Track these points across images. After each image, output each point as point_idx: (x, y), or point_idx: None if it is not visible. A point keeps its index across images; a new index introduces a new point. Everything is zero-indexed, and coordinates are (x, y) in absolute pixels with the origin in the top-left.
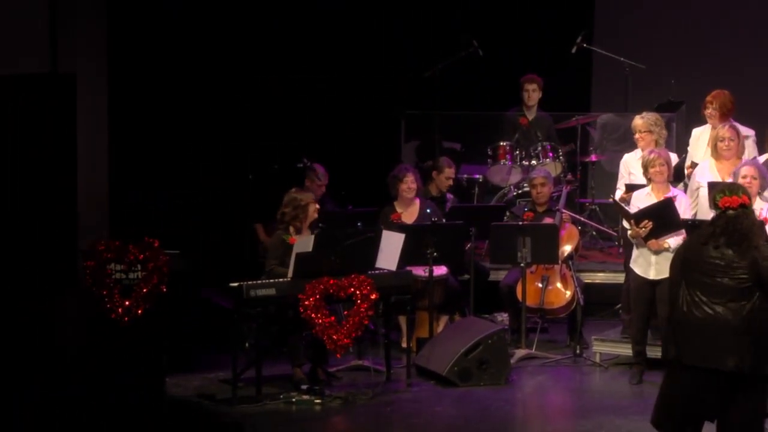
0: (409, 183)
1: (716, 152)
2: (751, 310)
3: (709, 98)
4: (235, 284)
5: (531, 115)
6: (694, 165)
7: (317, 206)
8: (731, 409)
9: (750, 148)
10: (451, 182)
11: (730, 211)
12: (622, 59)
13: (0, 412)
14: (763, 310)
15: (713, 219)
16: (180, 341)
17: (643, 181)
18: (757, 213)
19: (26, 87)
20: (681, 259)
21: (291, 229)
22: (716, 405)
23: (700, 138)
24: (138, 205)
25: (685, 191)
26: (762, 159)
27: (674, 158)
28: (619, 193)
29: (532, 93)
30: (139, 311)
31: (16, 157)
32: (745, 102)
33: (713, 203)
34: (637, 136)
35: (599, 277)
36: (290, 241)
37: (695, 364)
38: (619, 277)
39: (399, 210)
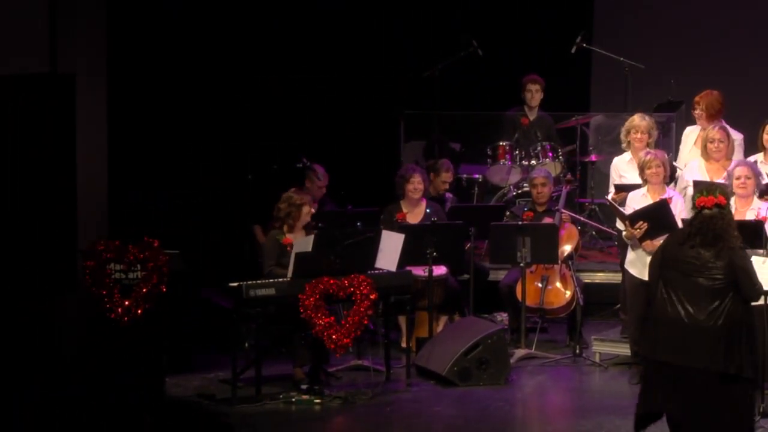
0: (416, 184)
1: (706, 153)
2: (724, 312)
3: (697, 98)
4: (235, 284)
5: (532, 116)
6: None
7: (312, 210)
8: (705, 410)
9: (737, 151)
10: (447, 186)
11: (706, 211)
12: (621, 59)
13: (0, 412)
14: (736, 311)
15: (690, 219)
16: (180, 341)
17: (634, 182)
18: (755, 212)
19: (26, 87)
20: (659, 259)
21: (285, 227)
22: (684, 402)
23: (689, 137)
24: (138, 205)
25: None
26: (751, 159)
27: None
28: (610, 196)
29: (536, 93)
30: (139, 311)
31: (16, 157)
32: (745, 102)
33: (692, 202)
34: (638, 136)
35: (599, 277)
36: (284, 241)
37: (668, 361)
38: (619, 277)
39: (405, 210)
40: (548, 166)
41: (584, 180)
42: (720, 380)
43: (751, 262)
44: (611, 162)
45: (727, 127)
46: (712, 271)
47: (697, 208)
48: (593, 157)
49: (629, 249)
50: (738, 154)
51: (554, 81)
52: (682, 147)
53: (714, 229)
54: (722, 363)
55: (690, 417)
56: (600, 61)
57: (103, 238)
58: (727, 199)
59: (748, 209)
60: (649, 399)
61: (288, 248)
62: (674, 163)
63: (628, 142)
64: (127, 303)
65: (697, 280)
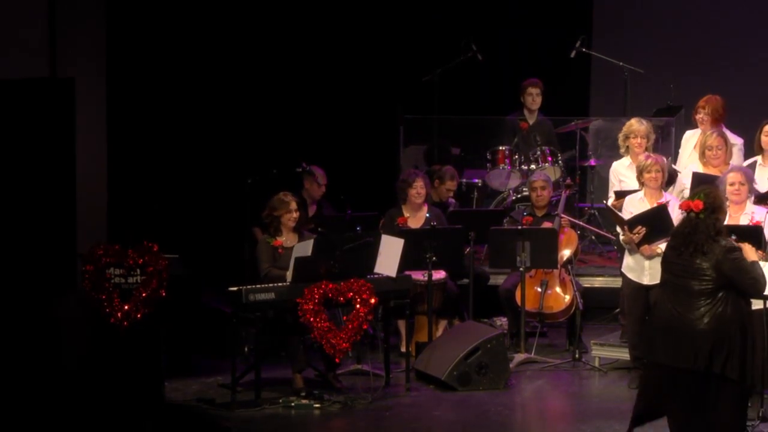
0: (419, 188)
1: (704, 158)
2: (712, 313)
3: (701, 103)
4: (234, 289)
5: (531, 119)
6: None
7: (294, 216)
8: (697, 410)
9: (736, 156)
10: (451, 194)
11: (684, 215)
12: (621, 64)
13: (0, 413)
14: (725, 313)
15: (679, 223)
16: (179, 345)
17: (634, 187)
18: (748, 217)
19: (26, 91)
20: (662, 263)
21: (271, 231)
22: (679, 404)
23: (689, 141)
24: (137, 209)
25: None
26: (746, 163)
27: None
28: (610, 201)
29: (536, 97)
30: (138, 315)
31: (16, 161)
32: (743, 106)
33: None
34: (637, 141)
35: (598, 282)
36: (274, 243)
37: (661, 362)
38: (618, 282)
39: (406, 214)
40: (548, 171)
41: (584, 184)
42: (708, 380)
43: (742, 260)
44: (610, 166)
45: (726, 132)
46: (701, 274)
47: (685, 212)
48: (592, 162)
49: (626, 253)
50: (737, 159)
51: (554, 86)
52: (681, 151)
53: (681, 232)
54: (706, 362)
55: (684, 417)
56: (599, 65)
57: (103, 242)
58: (709, 203)
59: (742, 214)
60: (646, 399)
61: (279, 250)
62: (674, 166)
63: (627, 147)
64: (126, 307)
65: (689, 282)
